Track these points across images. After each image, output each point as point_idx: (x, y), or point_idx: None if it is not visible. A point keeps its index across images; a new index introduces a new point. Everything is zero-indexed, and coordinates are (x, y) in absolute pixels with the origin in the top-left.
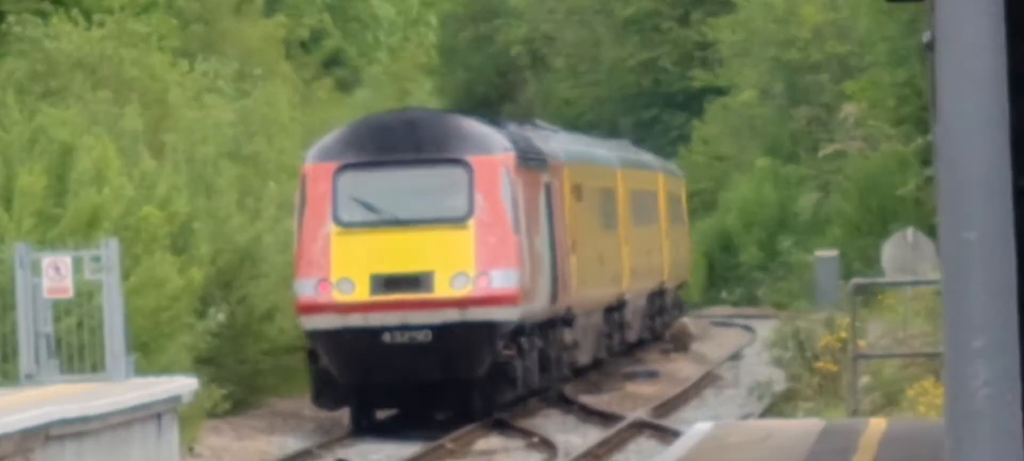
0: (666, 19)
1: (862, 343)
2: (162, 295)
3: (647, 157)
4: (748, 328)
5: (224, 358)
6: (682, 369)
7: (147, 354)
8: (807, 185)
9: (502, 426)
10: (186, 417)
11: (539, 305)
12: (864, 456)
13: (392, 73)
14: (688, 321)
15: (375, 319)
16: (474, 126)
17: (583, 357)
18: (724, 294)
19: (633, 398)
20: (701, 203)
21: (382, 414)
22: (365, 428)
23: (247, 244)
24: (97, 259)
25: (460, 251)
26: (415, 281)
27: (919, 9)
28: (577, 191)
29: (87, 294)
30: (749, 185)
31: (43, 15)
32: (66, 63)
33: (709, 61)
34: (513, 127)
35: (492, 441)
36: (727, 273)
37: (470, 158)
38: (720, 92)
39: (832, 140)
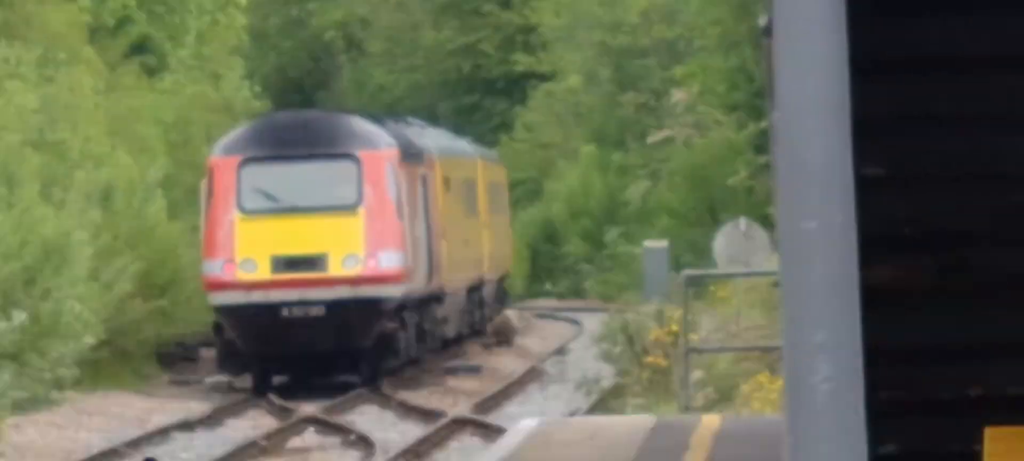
0: (487, 2)
1: (694, 337)
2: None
3: (466, 144)
4: (574, 321)
5: (27, 354)
6: (506, 364)
7: None
8: (635, 173)
9: (317, 423)
10: None
11: (418, 284)
12: (697, 453)
13: (202, 57)
14: (511, 314)
15: (275, 295)
16: (362, 124)
17: (450, 331)
18: (549, 286)
19: (454, 394)
20: (525, 192)
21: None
22: (262, 392)
23: (54, 238)
24: None
25: (351, 235)
26: (311, 262)
27: None
28: (446, 182)
29: None
30: (575, 174)
31: None
32: None
33: (532, 45)
34: (392, 124)
35: (307, 438)
36: (552, 264)
37: (359, 153)
38: (544, 78)
39: (661, 127)
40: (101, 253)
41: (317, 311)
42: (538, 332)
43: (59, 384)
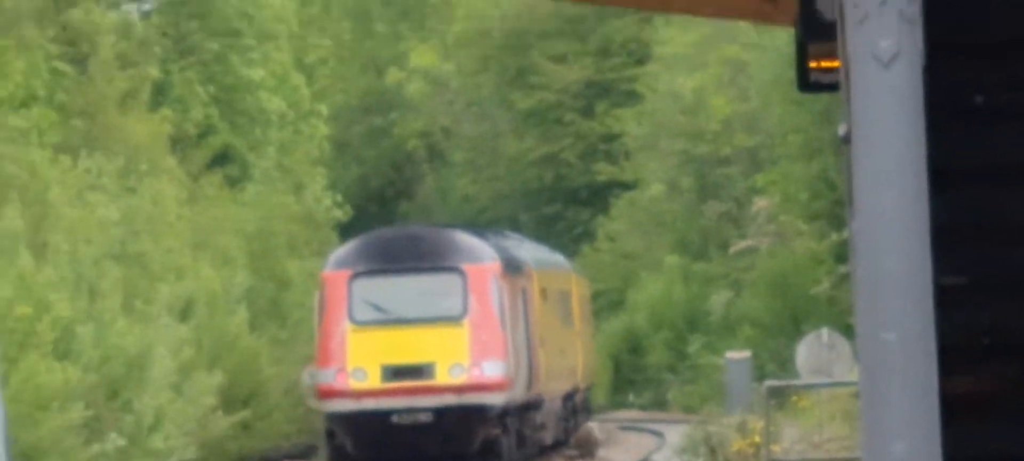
0: (569, 111)
1: (776, 448)
2: (42, 398)
3: (559, 257)
4: (657, 433)
5: None
6: None
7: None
8: (718, 283)
9: None
10: None
11: (519, 392)
12: None
13: (284, 168)
14: (594, 425)
15: (385, 403)
16: (466, 238)
17: (548, 438)
18: (632, 397)
19: None
20: (607, 303)
21: None
22: None
23: (136, 351)
24: None
25: (457, 345)
26: (418, 370)
27: (833, 100)
28: (543, 293)
29: None
30: (657, 284)
31: None
32: None
33: (614, 154)
34: (493, 237)
35: None
36: (635, 375)
37: (464, 266)
38: (626, 187)
39: (743, 236)
40: (183, 367)
41: (425, 417)
42: (621, 444)
43: None
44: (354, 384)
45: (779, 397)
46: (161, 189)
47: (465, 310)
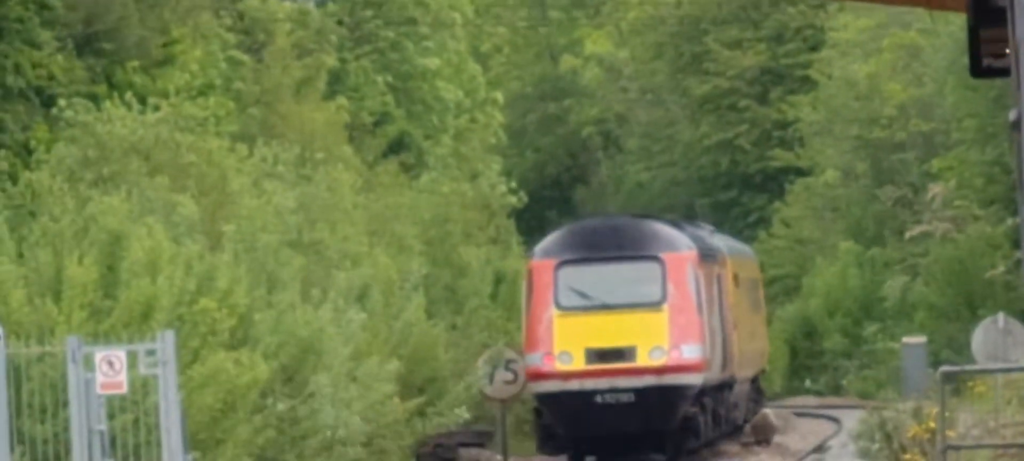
0: (743, 97)
1: (952, 433)
2: (221, 390)
3: (746, 246)
4: (833, 419)
5: (285, 455)
6: None
7: (206, 452)
8: (893, 269)
9: None
10: None
11: (714, 373)
12: None
13: (459, 155)
14: (769, 411)
15: (589, 384)
16: (664, 228)
17: (739, 417)
18: (808, 383)
19: None
20: (783, 289)
21: None
22: None
23: (310, 336)
24: (152, 352)
25: (657, 329)
26: (621, 353)
27: (1007, 84)
28: (735, 280)
29: (142, 390)
30: (833, 270)
31: (95, 99)
32: (119, 148)
33: (789, 140)
34: (689, 227)
35: None
36: (810, 361)
37: (663, 254)
38: (801, 172)
39: (919, 221)
40: (360, 353)
41: (627, 398)
42: (797, 430)
43: None
44: (560, 366)
45: (954, 382)
46: (337, 177)
47: (664, 296)
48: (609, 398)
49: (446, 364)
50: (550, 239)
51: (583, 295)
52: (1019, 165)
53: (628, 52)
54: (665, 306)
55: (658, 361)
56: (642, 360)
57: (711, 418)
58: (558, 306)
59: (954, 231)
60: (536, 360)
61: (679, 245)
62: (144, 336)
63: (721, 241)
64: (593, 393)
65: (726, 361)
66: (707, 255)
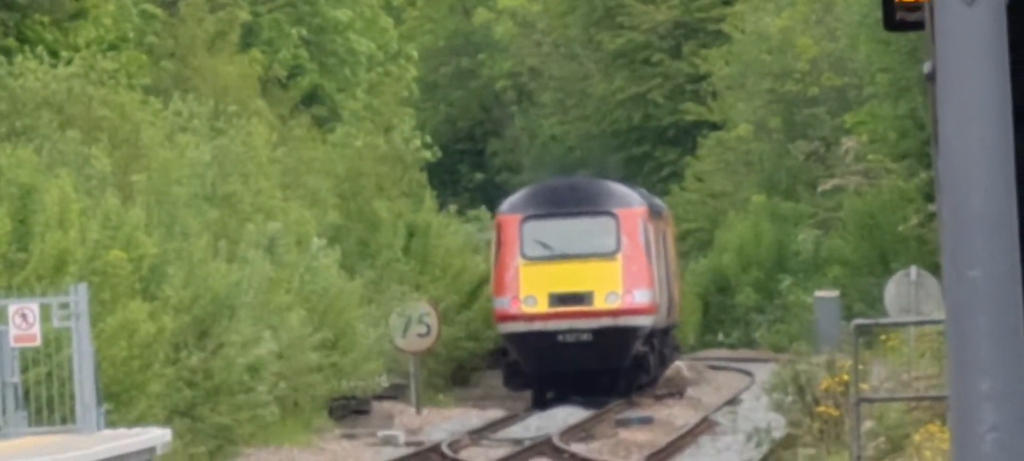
0: (657, 51)
1: (865, 386)
2: (134, 343)
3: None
4: (746, 372)
5: (199, 408)
6: (677, 415)
7: (119, 405)
8: (805, 223)
9: None
10: None
11: (661, 317)
12: None
13: (373, 109)
14: (683, 364)
15: (552, 325)
16: (619, 187)
17: (679, 357)
18: (720, 336)
19: (626, 446)
20: (696, 242)
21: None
22: (540, 405)
23: (225, 291)
24: (65, 306)
25: (611, 276)
26: (580, 298)
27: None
28: (675, 235)
29: (56, 342)
30: (745, 224)
31: (7, 53)
32: (31, 102)
33: (702, 94)
34: (639, 190)
35: None
36: (723, 315)
37: (617, 210)
38: (714, 127)
39: (831, 175)
40: (272, 307)
41: (586, 337)
42: (710, 383)
43: (231, 439)
44: (526, 309)
45: (867, 336)
46: (250, 130)
47: (618, 247)
48: (569, 337)
49: (360, 318)
50: (516, 197)
51: (546, 246)
52: (933, 118)
53: (541, 5)
54: (619, 256)
55: (613, 305)
56: (599, 304)
57: (657, 357)
58: (524, 256)
59: (867, 185)
60: (504, 304)
61: (631, 202)
62: (57, 289)
63: (662, 202)
64: (555, 333)
65: (670, 307)
66: (655, 212)
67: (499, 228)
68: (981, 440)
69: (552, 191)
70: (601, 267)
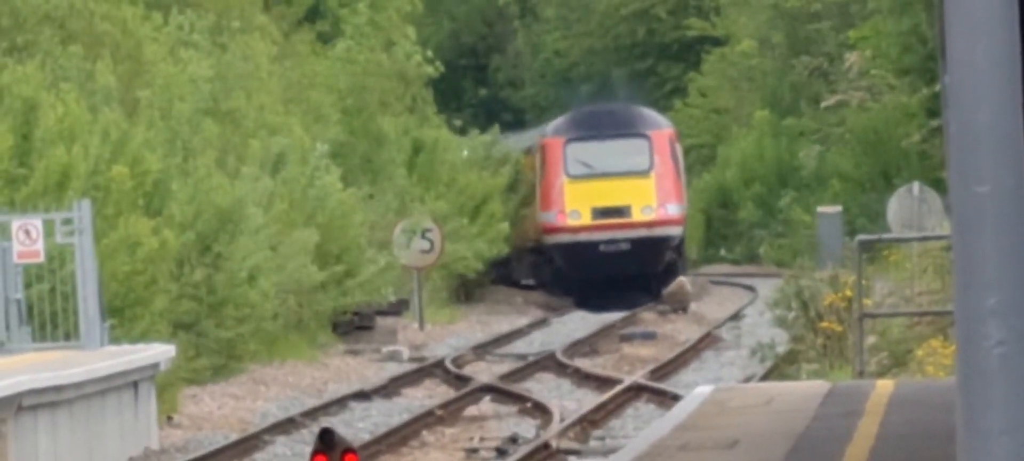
0: None
1: (868, 302)
2: (137, 259)
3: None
4: (749, 287)
5: (203, 324)
6: (681, 330)
7: (122, 321)
8: (809, 139)
9: (494, 391)
10: (164, 385)
11: (686, 227)
12: (871, 419)
13: (375, 24)
14: (686, 280)
15: (595, 236)
16: (651, 113)
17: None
18: (723, 252)
19: (630, 360)
20: (698, 158)
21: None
22: (582, 305)
23: (228, 206)
24: (68, 221)
25: (646, 192)
26: (619, 211)
27: None
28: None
29: (59, 258)
30: (748, 139)
31: None
32: (33, 17)
33: (705, 10)
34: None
35: (483, 407)
36: (726, 230)
37: (650, 133)
38: (717, 42)
39: (834, 91)
40: (275, 222)
41: (624, 246)
42: (713, 298)
43: (235, 355)
44: (571, 222)
45: (870, 251)
46: (253, 46)
47: (651, 165)
48: (610, 247)
49: (362, 233)
50: (559, 121)
51: (587, 165)
52: (941, 33)
53: None
54: (652, 173)
55: (648, 217)
56: (636, 216)
57: (684, 263)
58: (568, 174)
59: (869, 100)
60: (551, 217)
61: (661, 124)
62: (60, 205)
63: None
64: (598, 243)
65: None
66: (679, 134)
67: (544, 150)
68: (987, 355)
69: (592, 115)
70: (637, 183)
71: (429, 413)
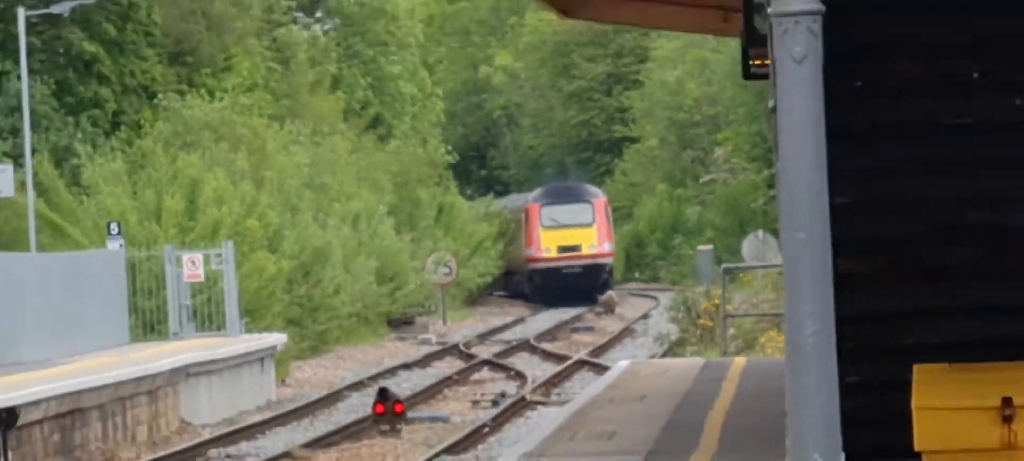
0: (597, 92)
1: (729, 307)
2: (262, 279)
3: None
4: (653, 298)
5: (305, 321)
6: (609, 325)
7: (253, 319)
8: (692, 202)
9: (490, 364)
10: (279, 360)
11: (614, 259)
12: (731, 383)
13: (415, 129)
14: (613, 293)
15: (559, 264)
16: (592, 187)
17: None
18: (637, 275)
19: (577, 345)
20: (621, 215)
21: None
22: (550, 307)
23: (321, 246)
24: (219, 255)
25: (590, 236)
26: (574, 248)
27: (766, 84)
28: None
29: (213, 279)
30: (653, 203)
31: (181, 93)
32: (197, 126)
33: (626, 120)
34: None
35: (484, 373)
36: (639, 261)
37: (592, 200)
38: (633, 140)
39: (708, 172)
40: (351, 256)
41: (577, 270)
42: (630, 305)
43: (325, 341)
44: (545, 255)
45: (731, 275)
46: (336, 143)
47: (593, 220)
48: (568, 271)
49: (406, 265)
50: (536, 192)
51: (554, 220)
52: (775, 135)
53: (522, 64)
54: (594, 225)
55: (592, 252)
56: (584, 252)
57: (611, 281)
58: (542, 226)
59: (731, 178)
60: (533, 252)
61: (599, 194)
62: (214, 245)
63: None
64: (561, 269)
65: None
66: (610, 200)
67: (527, 211)
68: (805, 342)
69: (555, 189)
70: (585, 231)
71: (448, 377)
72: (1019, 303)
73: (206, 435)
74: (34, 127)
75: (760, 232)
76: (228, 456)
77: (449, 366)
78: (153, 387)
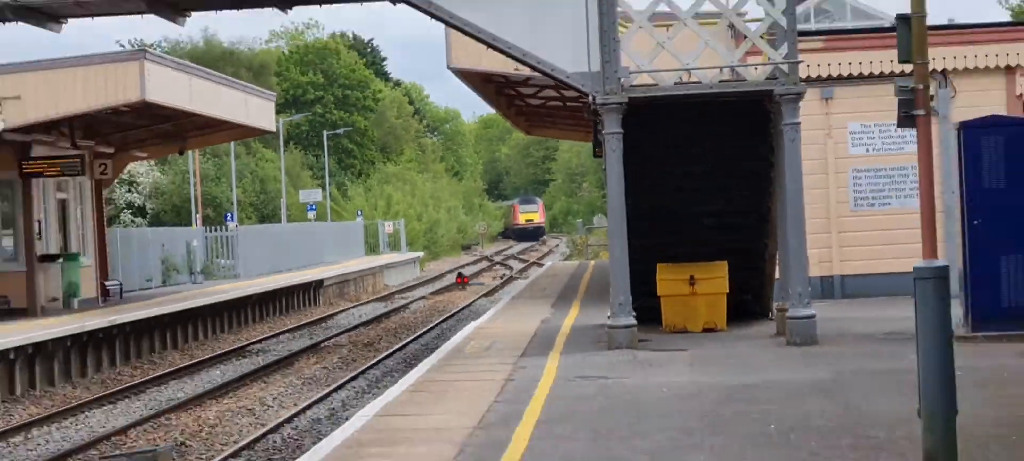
0: (533, 154)
1: (588, 240)
2: (413, 231)
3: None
4: (559, 239)
5: (430, 247)
6: (544, 249)
7: (413, 247)
8: (579, 202)
9: (499, 264)
10: (421, 262)
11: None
12: (589, 270)
13: (471, 174)
14: (546, 238)
15: (525, 226)
16: (537, 198)
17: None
18: (555, 231)
19: (533, 254)
20: (550, 208)
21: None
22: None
23: (436, 218)
24: (395, 224)
25: (537, 216)
26: (531, 221)
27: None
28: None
29: (396, 232)
30: (561, 202)
31: (385, 159)
32: (392, 175)
33: (552, 171)
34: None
35: (497, 269)
36: (555, 225)
37: (538, 202)
38: (553, 179)
39: (581, 194)
40: (444, 222)
41: (532, 229)
42: (552, 242)
43: (436, 255)
44: (519, 223)
45: (588, 229)
46: (442, 179)
47: (538, 210)
48: (527, 227)
49: (467, 224)
50: (515, 199)
51: (523, 210)
52: (604, 183)
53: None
54: (538, 212)
55: (537, 222)
56: (534, 222)
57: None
58: (520, 212)
59: (588, 194)
60: (515, 222)
61: (539, 200)
62: (396, 219)
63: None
64: (525, 228)
65: (548, 225)
66: (544, 204)
67: (513, 207)
68: (616, 255)
69: (524, 198)
70: (535, 215)
71: (484, 269)
72: (696, 238)
73: (394, 289)
74: (331, 174)
75: (599, 215)
76: (402, 296)
77: (485, 264)
78: (373, 271)
